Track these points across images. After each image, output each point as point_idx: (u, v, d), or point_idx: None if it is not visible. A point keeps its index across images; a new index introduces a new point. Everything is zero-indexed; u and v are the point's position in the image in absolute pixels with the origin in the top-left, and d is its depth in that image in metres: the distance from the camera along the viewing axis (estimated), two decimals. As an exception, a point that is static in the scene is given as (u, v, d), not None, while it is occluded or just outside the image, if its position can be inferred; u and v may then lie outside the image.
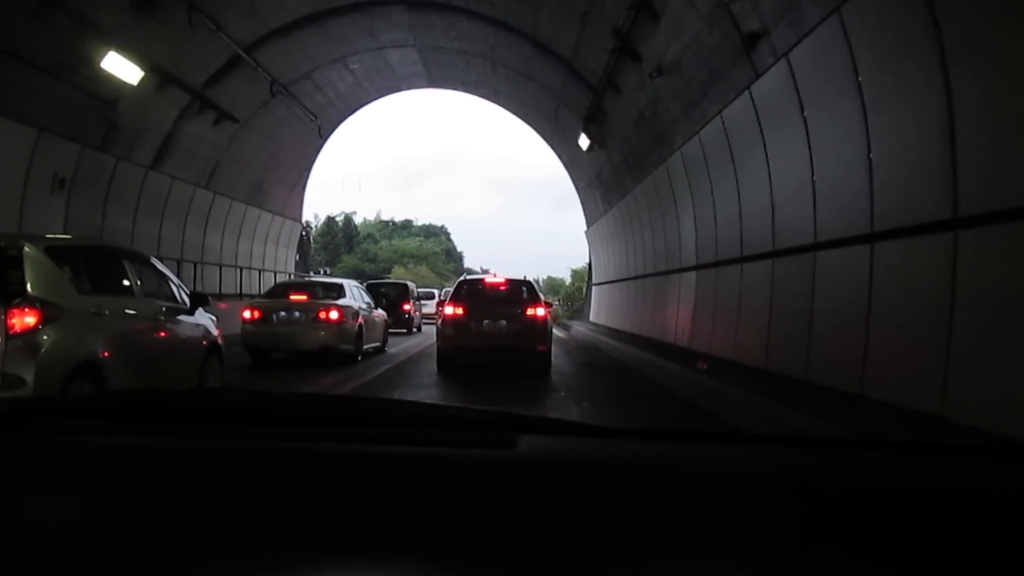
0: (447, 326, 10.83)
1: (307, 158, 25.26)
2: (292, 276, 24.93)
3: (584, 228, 28.02)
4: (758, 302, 9.43)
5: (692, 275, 12.81)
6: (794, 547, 0.79)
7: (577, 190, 26.74)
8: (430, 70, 22.09)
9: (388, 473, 0.94)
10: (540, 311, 10.86)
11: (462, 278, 12.88)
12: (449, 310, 10.88)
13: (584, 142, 18.17)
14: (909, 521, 0.82)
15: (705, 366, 9.67)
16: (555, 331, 17.53)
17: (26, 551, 0.79)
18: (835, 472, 0.97)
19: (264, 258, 23.80)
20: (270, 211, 23.51)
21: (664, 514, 0.85)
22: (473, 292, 11.39)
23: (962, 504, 0.86)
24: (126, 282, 5.97)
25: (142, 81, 13.15)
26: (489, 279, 12.34)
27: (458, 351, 10.82)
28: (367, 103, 24.93)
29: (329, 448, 1.01)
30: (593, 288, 27.61)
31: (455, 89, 24.35)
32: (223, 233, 20.21)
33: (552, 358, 11.26)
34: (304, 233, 29.03)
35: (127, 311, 5.78)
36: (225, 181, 19.52)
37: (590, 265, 29.64)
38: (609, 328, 21.19)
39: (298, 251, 27.40)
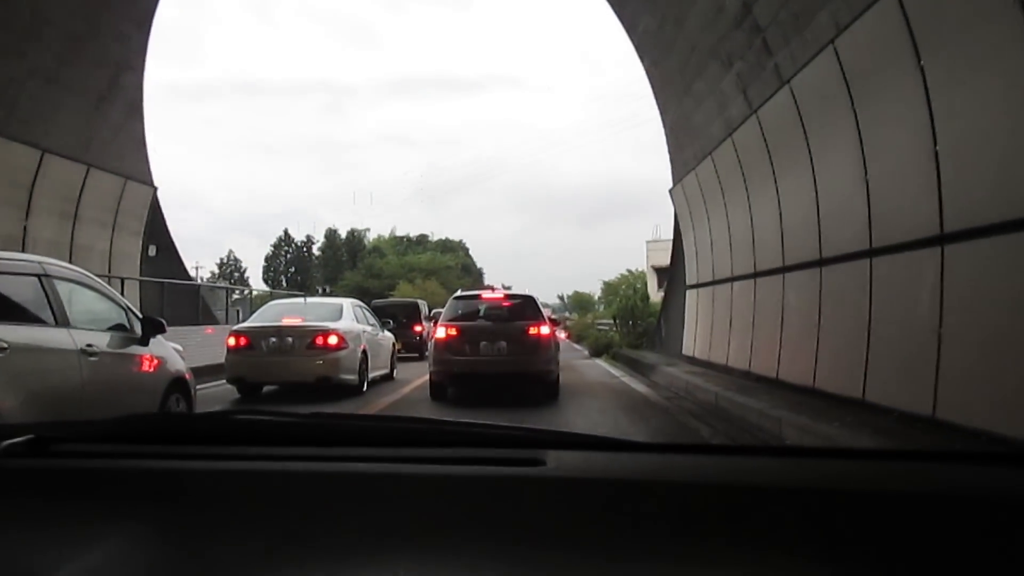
0: (439, 350, 9.66)
1: (116, 30, 12.67)
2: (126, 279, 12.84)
3: (669, 185, 15.57)
4: None
5: None
6: (827, 557, 0.79)
7: (658, 104, 14.36)
8: None
9: (417, 494, 0.94)
10: (544, 329, 9.71)
11: (456, 295, 11.39)
12: (441, 332, 9.76)
13: None
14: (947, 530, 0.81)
15: None
16: (628, 381, 12.69)
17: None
18: (858, 482, 0.95)
19: (35, 243, 11.71)
20: (34, 145, 11.41)
21: (697, 527, 0.85)
22: (469, 311, 10.36)
23: (995, 512, 0.84)
24: (42, 307, 4.84)
25: None
26: (486, 295, 11.25)
27: (453, 378, 9.67)
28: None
29: (355, 469, 1.02)
30: (689, 294, 15.06)
31: None
32: None
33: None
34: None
35: (42, 345, 4.70)
36: None
37: (675, 253, 17.05)
38: (792, 386, 8.79)
39: (151, 239, 15.17)
